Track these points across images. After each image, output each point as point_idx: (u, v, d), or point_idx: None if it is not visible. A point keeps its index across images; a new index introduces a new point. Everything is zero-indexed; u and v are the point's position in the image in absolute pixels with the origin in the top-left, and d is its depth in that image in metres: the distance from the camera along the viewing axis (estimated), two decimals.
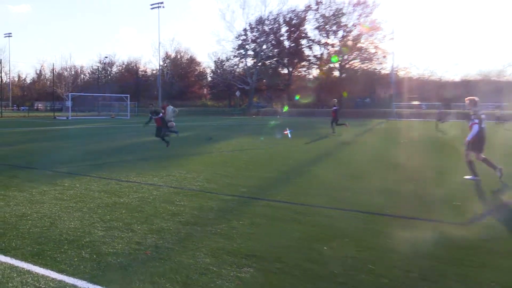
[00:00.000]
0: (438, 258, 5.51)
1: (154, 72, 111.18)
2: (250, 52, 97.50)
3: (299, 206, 8.23)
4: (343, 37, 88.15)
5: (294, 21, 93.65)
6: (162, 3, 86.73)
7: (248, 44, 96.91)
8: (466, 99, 11.49)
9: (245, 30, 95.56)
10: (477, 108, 11.13)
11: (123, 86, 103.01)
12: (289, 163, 14.57)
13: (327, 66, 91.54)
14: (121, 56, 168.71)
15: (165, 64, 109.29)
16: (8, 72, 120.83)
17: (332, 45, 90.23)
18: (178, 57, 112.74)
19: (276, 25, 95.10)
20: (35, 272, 4.96)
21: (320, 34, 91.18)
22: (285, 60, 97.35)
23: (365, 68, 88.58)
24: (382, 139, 26.08)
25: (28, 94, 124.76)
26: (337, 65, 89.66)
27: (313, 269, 5.13)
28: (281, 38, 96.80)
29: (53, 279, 4.81)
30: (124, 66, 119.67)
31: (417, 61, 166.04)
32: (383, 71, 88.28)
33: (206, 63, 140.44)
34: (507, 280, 4.95)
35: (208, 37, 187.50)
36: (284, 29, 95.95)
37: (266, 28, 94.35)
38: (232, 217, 7.27)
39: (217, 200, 8.61)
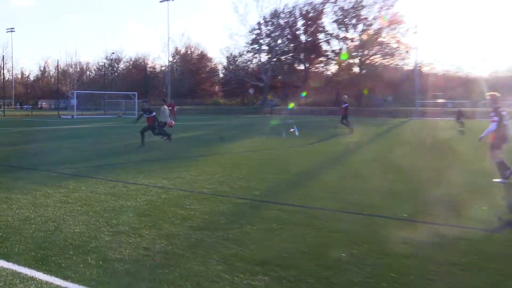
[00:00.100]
0: (464, 265, 5.47)
1: (163, 68, 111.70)
2: (265, 47, 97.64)
3: (315, 210, 8.23)
4: (363, 31, 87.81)
5: (311, 14, 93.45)
6: None
7: (262, 38, 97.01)
8: (487, 94, 11.40)
9: (259, 23, 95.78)
10: (498, 105, 11.01)
11: (131, 83, 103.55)
12: (303, 164, 14.56)
13: (346, 62, 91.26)
14: (129, 52, 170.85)
15: (175, 60, 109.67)
16: (11, 69, 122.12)
17: (352, 40, 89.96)
18: (188, 52, 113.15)
19: (292, 18, 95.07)
20: (38, 279, 5.00)
21: (339, 28, 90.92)
22: (302, 56, 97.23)
23: (387, 64, 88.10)
24: (404, 139, 25.93)
25: (32, 92, 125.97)
26: (356, 60, 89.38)
27: (330, 276, 5.13)
28: (297, 32, 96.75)
29: (57, 286, 4.85)
30: (131, 62, 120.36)
31: (442, 57, 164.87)
32: (405, 67, 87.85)
33: (218, 59, 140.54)
34: None
35: (220, 31, 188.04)
36: (300, 22, 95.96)
37: (282, 22, 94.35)
38: (245, 222, 7.29)
39: (229, 204, 8.64)
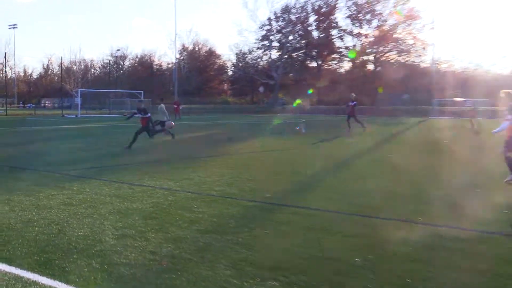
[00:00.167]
0: (488, 272, 5.43)
1: (170, 65, 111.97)
2: (275, 44, 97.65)
3: (328, 213, 8.21)
4: (378, 26, 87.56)
5: (323, 9, 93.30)
6: None
7: (272, 34, 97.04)
8: (502, 92, 11.32)
9: (269, 19, 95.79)
10: None
11: (137, 81, 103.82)
12: (316, 165, 14.55)
13: (360, 59, 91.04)
14: (134, 49, 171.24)
15: (182, 57, 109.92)
16: (13, 66, 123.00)
17: (366, 36, 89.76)
18: (196, 49, 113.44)
19: (304, 13, 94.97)
20: (41, 283, 5.02)
21: (353, 24, 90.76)
22: (314, 52, 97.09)
23: (403, 61, 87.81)
24: (421, 139, 25.83)
25: (35, 91, 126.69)
26: (371, 57, 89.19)
27: (344, 282, 5.11)
28: (309, 28, 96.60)
29: None
30: (137, 59, 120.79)
31: (460, 54, 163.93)
32: (422, 64, 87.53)
33: (227, 56, 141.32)
34: None
35: (229, 27, 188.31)
36: (312, 18, 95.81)
37: (293, 17, 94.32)
38: (255, 225, 7.28)
39: (239, 207, 8.64)
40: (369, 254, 5.97)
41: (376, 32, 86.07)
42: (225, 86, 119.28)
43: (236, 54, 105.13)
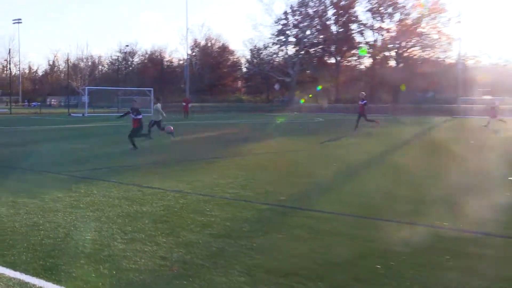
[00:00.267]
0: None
1: (181, 62, 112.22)
2: (292, 39, 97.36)
3: (347, 217, 8.20)
4: (400, 20, 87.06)
5: (342, 3, 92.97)
6: None
7: (289, 29, 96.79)
8: None
9: (285, 13, 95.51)
10: None
11: (146, 78, 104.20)
12: (334, 166, 14.51)
13: (381, 55, 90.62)
14: (144, 44, 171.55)
15: (194, 53, 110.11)
16: (18, 63, 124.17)
17: (387, 30, 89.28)
18: (209, 45, 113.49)
19: (322, 7, 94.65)
20: None
21: (373, 18, 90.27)
22: (332, 48, 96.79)
23: (427, 56, 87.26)
24: (446, 139, 25.67)
25: (40, 88, 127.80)
26: (393, 53, 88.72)
27: None
28: (328, 23, 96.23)
29: None
30: (147, 55, 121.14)
31: (488, 48, 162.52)
32: (448, 60, 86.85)
33: (241, 52, 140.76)
34: None
35: (243, 22, 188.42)
36: (331, 12, 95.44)
37: (310, 11, 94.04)
38: (270, 230, 7.29)
39: (253, 210, 8.65)
40: (391, 260, 5.95)
41: (399, 26, 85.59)
42: (239, 83, 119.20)
43: (251, 50, 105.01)
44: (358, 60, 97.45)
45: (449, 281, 5.35)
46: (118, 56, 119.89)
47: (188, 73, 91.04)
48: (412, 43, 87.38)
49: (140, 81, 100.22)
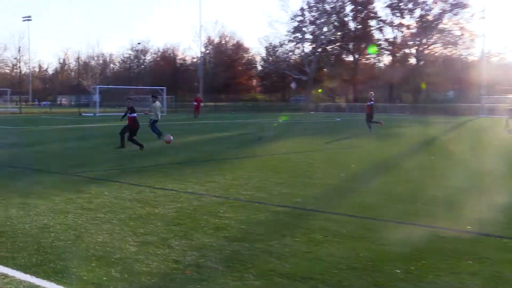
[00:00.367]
0: None
1: (194, 60, 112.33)
2: (308, 36, 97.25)
3: (365, 220, 8.17)
4: (421, 16, 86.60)
5: None
6: None
7: (305, 26, 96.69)
8: None
9: (302, 9, 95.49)
10: None
11: (159, 77, 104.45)
12: (352, 167, 14.48)
13: (401, 52, 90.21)
14: (156, 42, 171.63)
15: (207, 51, 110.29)
16: (28, 61, 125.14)
17: (408, 27, 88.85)
18: (223, 42, 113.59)
19: (340, 3, 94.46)
20: None
21: (393, 14, 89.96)
22: (350, 45, 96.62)
23: (449, 54, 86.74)
24: (469, 139, 25.52)
25: (51, 87, 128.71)
26: (413, 50, 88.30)
27: None
28: (346, 19, 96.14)
29: None
30: (159, 53, 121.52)
31: None
32: (470, 58, 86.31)
33: (256, 50, 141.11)
34: None
35: (258, 19, 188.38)
36: (349, 8, 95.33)
37: (328, 7, 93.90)
38: (286, 233, 7.29)
39: (268, 212, 8.65)
40: (410, 265, 5.93)
41: (419, 23, 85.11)
42: (254, 82, 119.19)
43: (266, 47, 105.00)
44: (377, 58, 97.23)
45: (471, 287, 5.32)
46: (130, 54, 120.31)
47: (201, 72, 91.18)
48: (433, 40, 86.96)
49: (153, 79, 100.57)
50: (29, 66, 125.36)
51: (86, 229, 7.39)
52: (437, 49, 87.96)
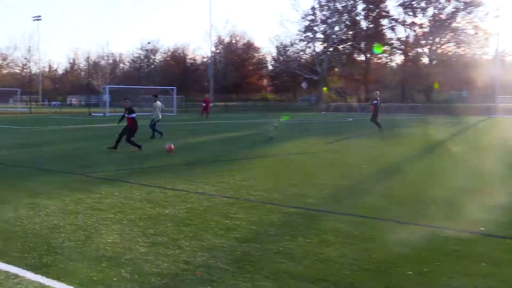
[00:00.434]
0: None
1: (204, 60, 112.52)
2: (320, 35, 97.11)
3: (379, 221, 8.15)
4: (434, 15, 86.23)
5: None
6: None
7: (317, 25, 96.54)
8: None
9: (313, 8, 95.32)
10: None
11: (169, 76, 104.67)
12: (365, 168, 14.44)
13: (413, 51, 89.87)
14: (166, 41, 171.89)
15: (218, 51, 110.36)
16: (38, 61, 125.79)
17: (420, 25, 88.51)
18: (233, 42, 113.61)
19: (351, 2, 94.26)
20: None
21: (405, 12, 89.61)
22: (362, 45, 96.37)
23: (462, 53, 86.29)
24: (483, 140, 25.40)
25: (60, 87, 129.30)
26: (426, 49, 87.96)
27: None
28: (357, 18, 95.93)
29: None
30: (169, 53, 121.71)
31: None
32: (484, 57, 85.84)
33: (267, 49, 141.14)
34: None
35: (269, 18, 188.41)
36: (360, 6, 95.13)
37: (339, 6, 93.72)
38: (298, 234, 7.27)
39: (280, 213, 8.64)
40: (423, 267, 5.90)
41: (432, 22, 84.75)
42: (265, 82, 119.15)
43: (277, 47, 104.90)
44: (389, 57, 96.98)
45: None
46: (139, 54, 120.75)
47: (212, 71, 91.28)
48: (447, 39, 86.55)
49: (163, 79, 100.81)
50: (39, 66, 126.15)
51: (96, 230, 7.42)
52: (450, 48, 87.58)
